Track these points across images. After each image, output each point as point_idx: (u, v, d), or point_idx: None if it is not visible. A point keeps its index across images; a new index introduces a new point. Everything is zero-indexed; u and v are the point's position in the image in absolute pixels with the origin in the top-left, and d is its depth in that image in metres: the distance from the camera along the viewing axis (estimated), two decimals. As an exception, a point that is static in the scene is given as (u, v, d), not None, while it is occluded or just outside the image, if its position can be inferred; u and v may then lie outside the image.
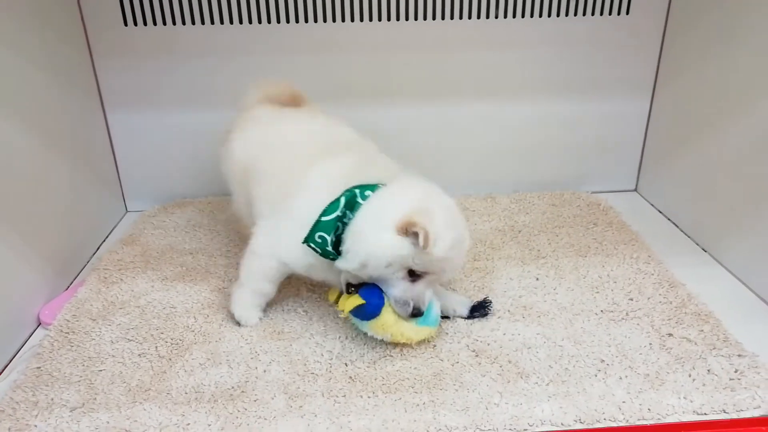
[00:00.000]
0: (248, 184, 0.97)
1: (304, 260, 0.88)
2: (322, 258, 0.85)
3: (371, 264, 0.81)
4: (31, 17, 1.03)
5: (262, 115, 1.06)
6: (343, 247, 0.83)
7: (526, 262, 1.11)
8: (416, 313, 0.84)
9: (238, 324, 0.94)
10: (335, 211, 0.83)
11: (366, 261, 0.81)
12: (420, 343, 0.88)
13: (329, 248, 0.83)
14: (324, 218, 0.83)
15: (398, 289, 0.83)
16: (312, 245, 0.84)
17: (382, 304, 0.84)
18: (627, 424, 0.75)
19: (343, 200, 0.83)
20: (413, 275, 0.83)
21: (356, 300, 0.84)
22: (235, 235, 1.22)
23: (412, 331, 0.86)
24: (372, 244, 0.81)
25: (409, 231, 0.79)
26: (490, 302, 0.96)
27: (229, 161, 1.04)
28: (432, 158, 1.40)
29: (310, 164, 0.90)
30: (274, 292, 0.95)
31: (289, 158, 0.95)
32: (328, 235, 0.83)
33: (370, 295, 0.84)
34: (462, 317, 0.95)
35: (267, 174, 0.95)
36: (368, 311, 0.84)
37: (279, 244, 0.90)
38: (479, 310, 0.96)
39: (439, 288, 0.96)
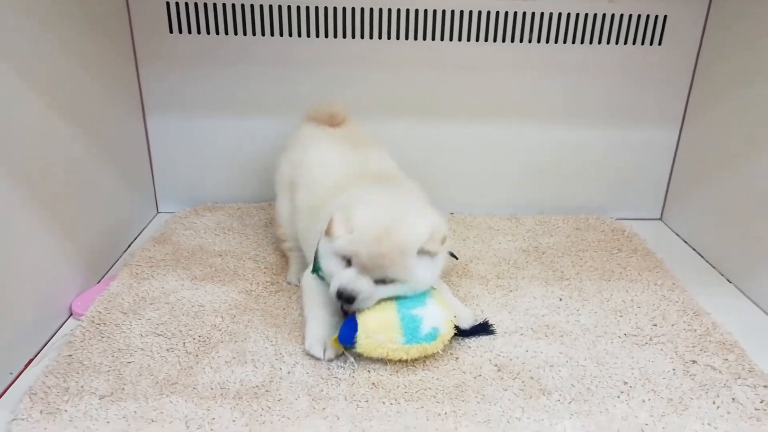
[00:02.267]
0: (293, 198, 1.08)
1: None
2: None
3: (322, 265, 0.88)
4: (85, 23, 1.08)
5: (305, 133, 1.15)
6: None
7: (550, 283, 1.12)
8: (344, 298, 0.84)
9: (312, 356, 0.89)
10: None
11: (320, 264, 0.89)
12: (420, 359, 0.87)
13: None
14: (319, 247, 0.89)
15: (335, 278, 0.86)
16: (319, 274, 0.90)
17: (354, 332, 0.85)
18: (650, 446, 0.74)
19: None
20: (351, 266, 0.86)
21: (335, 334, 0.87)
22: (264, 239, 1.25)
23: (401, 351, 0.85)
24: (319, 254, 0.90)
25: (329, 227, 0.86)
26: (492, 325, 0.96)
27: (278, 173, 1.16)
28: (459, 177, 1.42)
29: (335, 192, 0.97)
30: (335, 318, 0.94)
31: (317, 184, 1.03)
32: None
33: (342, 329, 0.86)
34: (461, 330, 0.93)
35: (301, 196, 1.06)
36: (342, 342, 0.86)
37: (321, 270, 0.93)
38: (481, 329, 0.95)
39: (448, 299, 0.97)
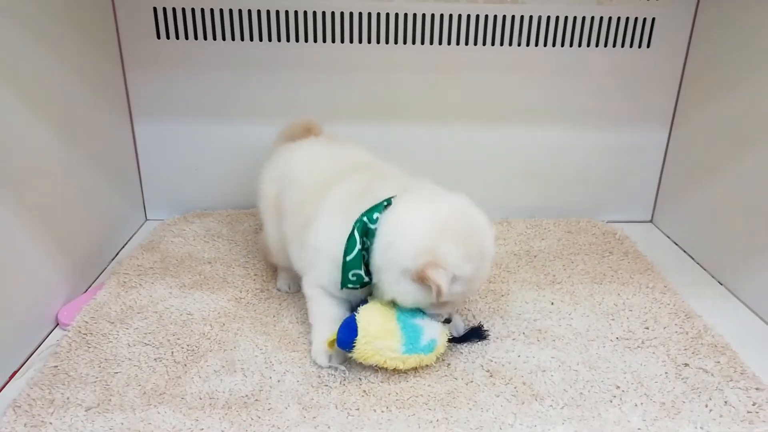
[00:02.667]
0: (279, 221, 1.01)
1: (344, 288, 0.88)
2: None
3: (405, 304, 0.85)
4: (70, 27, 1.07)
5: (280, 152, 1.09)
6: (374, 279, 0.85)
7: (541, 287, 1.12)
8: (448, 320, 0.88)
9: (318, 365, 0.89)
10: (355, 246, 0.82)
11: (395, 299, 0.85)
12: (414, 368, 0.86)
13: (365, 278, 0.85)
14: (348, 258, 0.83)
15: (438, 324, 0.87)
16: (350, 286, 0.85)
17: (353, 336, 0.82)
18: (643, 451, 0.74)
19: (357, 234, 0.82)
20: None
21: (333, 335, 0.85)
22: (253, 246, 1.24)
23: (398, 360, 0.83)
24: (396, 291, 0.83)
25: (424, 282, 0.79)
26: (487, 330, 0.95)
27: (260, 199, 1.08)
28: (449, 180, 1.40)
29: (321, 195, 0.91)
30: None
31: (301, 193, 0.97)
32: (359, 269, 0.83)
33: (341, 331, 0.84)
34: (454, 337, 0.92)
35: (287, 211, 0.98)
36: (340, 346, 0.84)
37: (320, 278, 0.90)
38: (475, 335, 0.94)
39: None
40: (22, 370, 0.89)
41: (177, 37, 1.27)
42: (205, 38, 1.27)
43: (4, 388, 0.85)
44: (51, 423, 0.76)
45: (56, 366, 0.87)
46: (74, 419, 0.77)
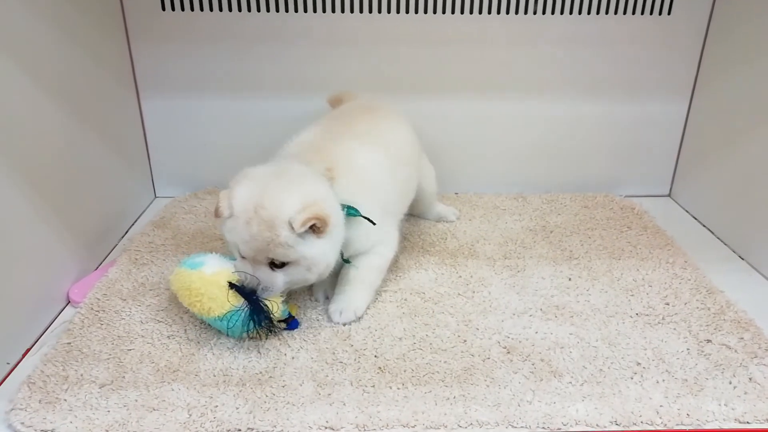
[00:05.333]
0: None
1: None
2: None
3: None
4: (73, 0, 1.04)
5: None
6: None
7: (558, 263, 1.09)
8: (247, 291, 0.84)
9: (355, 320, 0.92)
10: None
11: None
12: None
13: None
14: None
15: (236, 268, 0.86)
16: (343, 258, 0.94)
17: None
18: (665, 428, 0.72)
19: None
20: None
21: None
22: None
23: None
24: None
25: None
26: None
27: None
28: (464, 155, 1.39)
29: None
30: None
31: None
32: None
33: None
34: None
35: None
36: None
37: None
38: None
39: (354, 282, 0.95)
40: (36, 347, 0.88)
41: (182, 9, 1.23)
42: (211, 9, 1.23)
43: (18, 365, 0.84)
44: (66, 400, 0.76)
45: (69, 343, 0.86)
46: (88, 396, 0.76)
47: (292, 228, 0.79)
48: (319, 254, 0.83)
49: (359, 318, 0.92)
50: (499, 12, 1.25)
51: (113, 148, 1.19)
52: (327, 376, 0.80)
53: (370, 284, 0.96)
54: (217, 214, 0.83)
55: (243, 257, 0.84)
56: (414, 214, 1.23)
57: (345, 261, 0.94)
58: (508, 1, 1.24)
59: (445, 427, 0.73)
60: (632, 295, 0.99)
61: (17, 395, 0.76)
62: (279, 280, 0.84)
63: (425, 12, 1.25)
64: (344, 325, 0.91)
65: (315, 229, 0.81)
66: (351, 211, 0.89)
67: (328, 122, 1.06)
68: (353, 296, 0.93)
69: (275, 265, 0.83)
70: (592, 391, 0.78)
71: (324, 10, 1.24)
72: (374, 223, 0.91)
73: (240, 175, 0.86)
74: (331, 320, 0.92)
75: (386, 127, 1.08)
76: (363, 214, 0.90)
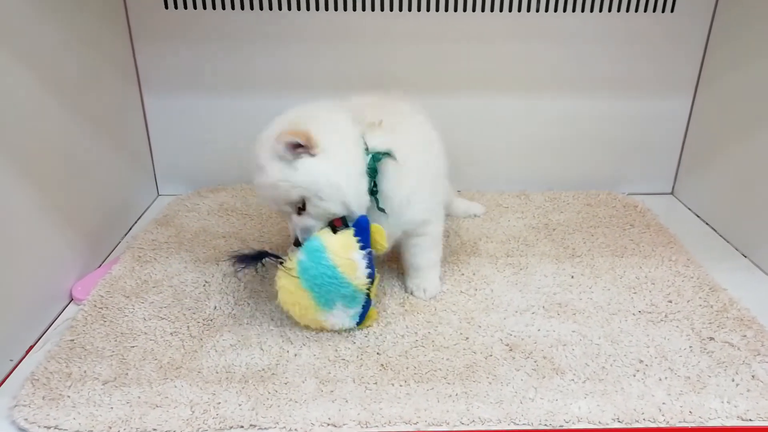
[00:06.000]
0: None
1: None
2: None
3: None
4: (77, -4, 1.04)
5: None
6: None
7: (561, 260, 1.09)
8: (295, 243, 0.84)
9: (431, 298, 0.97)
10: None
11: None
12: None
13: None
14: None
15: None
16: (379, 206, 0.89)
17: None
18: (668, 426, 0.72)
19: None
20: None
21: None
22: (268, 220, 1.22)
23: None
24: None
25: None
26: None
27: None
28: (465, 153, 1.38)
29: None
30: None
31: None
32: None
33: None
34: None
35: None
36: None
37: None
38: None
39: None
40: (39, 344, 0.89)
41: (185, 7, 1.23)
42: (214, 7, 1.24)
43: (21, 362, 0.85)
44: (69, 396, 0.76)
45: (72, 340, 0.86)
46: (92, 392, 0.77)
47: (277, 156, 0.78)
48: (321, 175, 0.79)
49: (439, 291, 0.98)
50: (501, 9, 1.25)
51: (116, 146, 1.20)
52: (329, 373, 0.81)
53: (437, 261, 0.99)
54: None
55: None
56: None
57: (380, 209, 0.87)
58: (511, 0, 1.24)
59: (447, 424, 0.73)
60: (635, 293, 0.99)
61: (20, 392, 0.77)
62: (307, 222, 0.83)
63: (427, 10, 1.25)
64: (429, 299, 0.96)
65: (303, 148, 0.78)
66: (377, 156, 0.84)
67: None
68: (429, 275, 0.98)
69: (301, 209, 0.82)
70: (595, 389, 0.78)
71: (327, 8, 1.24)
72: (395, 158, 0.85)
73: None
74: (413, 295, 0.97)
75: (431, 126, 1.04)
76: (392, 156, 0.85)
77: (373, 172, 0.84)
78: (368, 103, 0.95)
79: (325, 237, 0.83)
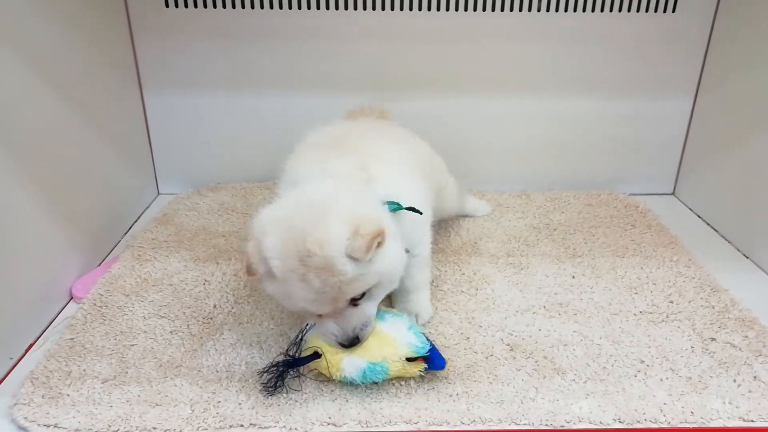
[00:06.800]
0: None
1: None
2: None
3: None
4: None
5: None
6: None
7: (562, 260, 1.09)
8: (350, 345, 0.75)
9: (424, 324, 0.90)
10: None
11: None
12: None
13: None
14: None
15: (320, 330, 0.78)
16: None
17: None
18: (669, 426, 0.72)
19: None
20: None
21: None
22: (267, 220, 1.22)
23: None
24: None
25: None
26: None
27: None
28: (467, 152, 1.38)
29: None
30: None
31: None
32: None
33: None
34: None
35: None
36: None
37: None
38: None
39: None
40: (39, 343, 0.88)
41: (186, 5, 1.23)
42: (215, 6, 1.23)
43: (21, 360, 0.84)
44: (68, 395, 0.76)
45: (72, 338, 0.86)
46: (91, 391, 0.76)
47: (356, 259, 0.69)
48: (392, 262, 0.74)
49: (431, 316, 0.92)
50: (502, 9, 1.25)
51: (116, 145, 1.19)
52: (330, 372, 0.80)
53: (426, 282, 0.93)
54: (249, 272, 0.72)
55: (319, 315, 0.75)
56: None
57: None
58: (511, -1, 1.24)
59: (448, 423, 0.72)
60: (636, 293, 0.98)
61: (20, 390, 0.76)
62: (369, 310, 0.75)
63: (428, 9, 1.24)
64: (423, 325, 0.89)
65: (378, 244, 0.71)
66: (393, 206, 0.79)
67: (351, 123, 1.01)
68: (420, 298, 0.91)
69: (355, 299, 0.74)
70: (596, 389, 0.77)
71: (328, 7, 1.24)
72: (420, 213, 0.82)
73: (260, 220, 0.75)
74: None
75: (410, 134, 1.04)
76: (405, 207, 0.81)
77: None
78: (338, 136, 0.91)
79: (390, 363, 0.75)
